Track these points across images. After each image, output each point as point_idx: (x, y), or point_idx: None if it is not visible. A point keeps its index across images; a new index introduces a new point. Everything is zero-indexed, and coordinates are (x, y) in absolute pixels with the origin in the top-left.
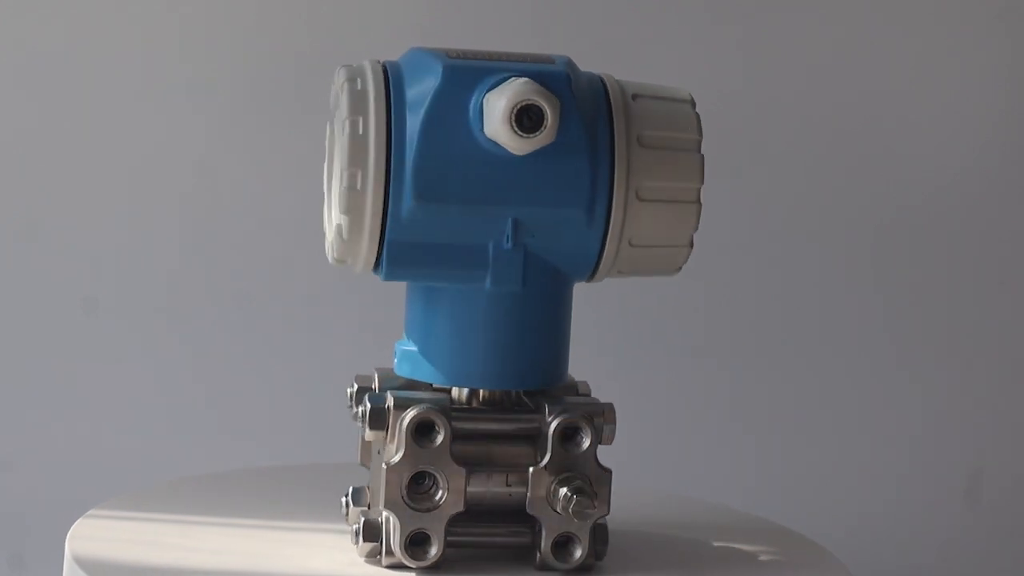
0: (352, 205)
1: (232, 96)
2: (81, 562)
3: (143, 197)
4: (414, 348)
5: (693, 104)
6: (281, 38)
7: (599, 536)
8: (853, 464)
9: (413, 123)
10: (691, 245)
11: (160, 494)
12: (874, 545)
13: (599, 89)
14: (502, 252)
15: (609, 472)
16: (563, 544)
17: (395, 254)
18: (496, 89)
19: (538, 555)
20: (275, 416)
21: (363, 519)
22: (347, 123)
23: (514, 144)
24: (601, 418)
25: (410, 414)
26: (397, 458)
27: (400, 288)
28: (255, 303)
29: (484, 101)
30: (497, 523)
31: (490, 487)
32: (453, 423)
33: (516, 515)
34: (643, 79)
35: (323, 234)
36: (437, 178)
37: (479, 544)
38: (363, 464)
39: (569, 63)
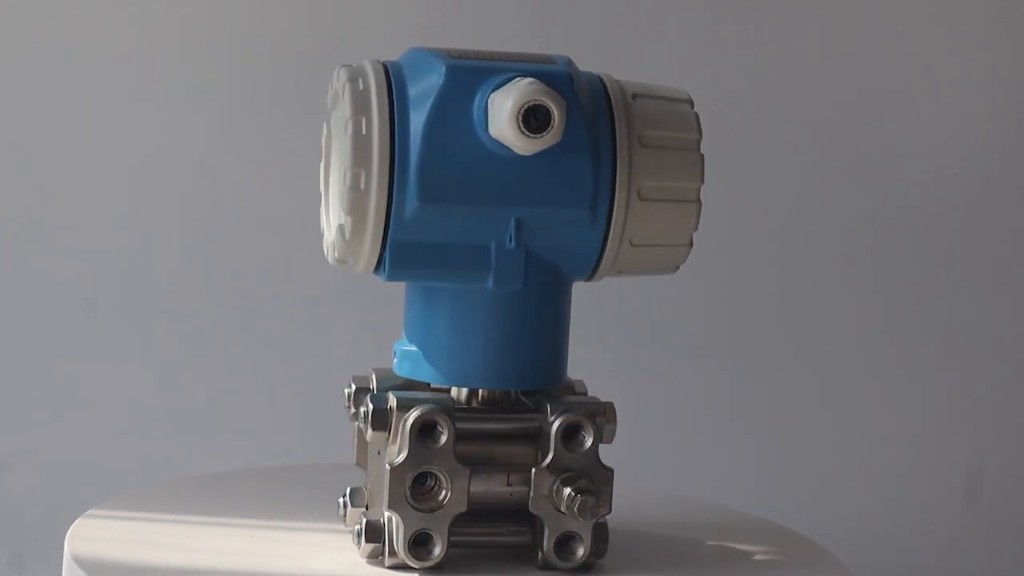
0: (355, 205)
1: (232, 96)
2: (81, 562)
3: (143, 197)
4: (414, 348)
5: (692, 104)
6: (281, 38)
7: (599, 534)
8: (853, 464)
9: (416, 123)
10: (691, 244)
11: (160, 494)
12: (874, 545)
13: (599, 89)
14: (505, 252)
15: (611, 471)
16: (565, 543)
17: (398, 255)
18: (502, 89)
19: (540, 554)
20: (275, 416)
21: (365, 520)
22: (350, 123)
23: (521, 144)
24: (602, 417)
25: (413, 414)
26: (400, 459)
27: (399, 288)
28: (255, 303)
29: (489, 101)
30: (497, 523)
31: (491, 487)
32: (455, 423)
33: (516, 514)
34: (643, 79)
35: (322, 235)
36: (441, 178)
37: (480, 544)
38: (359, 464)
39: (570, 63)
